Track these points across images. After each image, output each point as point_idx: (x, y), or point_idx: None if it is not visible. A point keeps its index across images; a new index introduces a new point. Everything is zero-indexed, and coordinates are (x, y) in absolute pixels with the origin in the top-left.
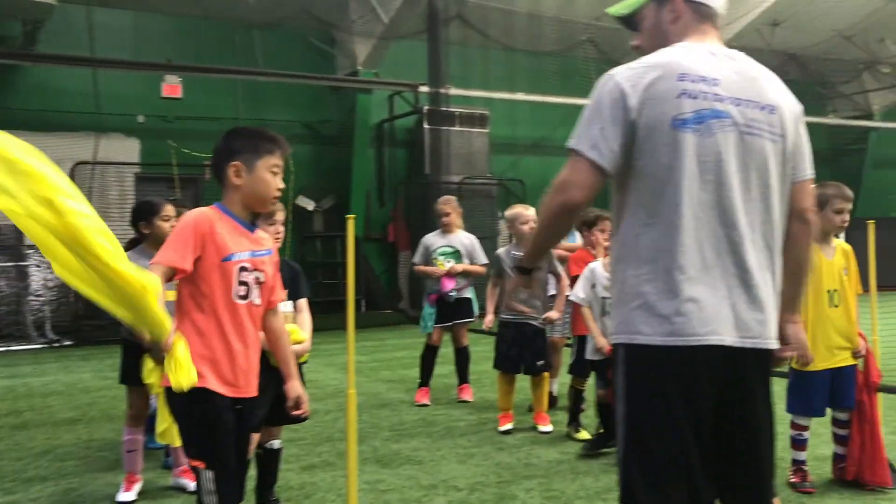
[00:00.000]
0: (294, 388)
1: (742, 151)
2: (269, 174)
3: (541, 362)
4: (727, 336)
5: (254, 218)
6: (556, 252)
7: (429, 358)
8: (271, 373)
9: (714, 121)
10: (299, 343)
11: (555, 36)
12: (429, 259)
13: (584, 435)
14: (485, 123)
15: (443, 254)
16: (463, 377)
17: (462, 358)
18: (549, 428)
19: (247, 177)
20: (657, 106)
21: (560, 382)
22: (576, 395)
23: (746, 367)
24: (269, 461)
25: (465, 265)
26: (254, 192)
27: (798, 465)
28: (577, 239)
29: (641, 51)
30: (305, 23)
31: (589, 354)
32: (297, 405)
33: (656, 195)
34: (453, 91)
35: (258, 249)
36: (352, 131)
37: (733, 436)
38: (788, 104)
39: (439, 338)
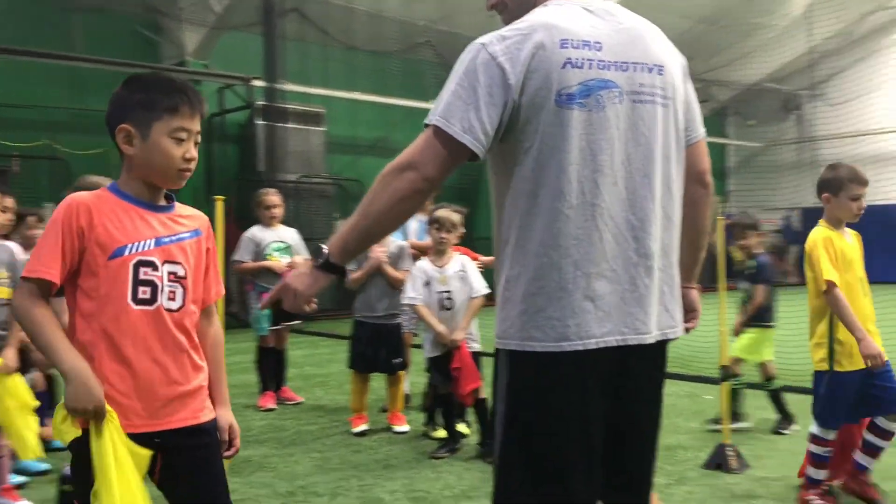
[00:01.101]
0: (225, 416)
1: (634, 122)
2: (171, 140)
3: (398, 360)
4: (630, 334)
5: (164, 195)
6: (411, 251)
7: (268, 361)
8: None
9: (602, 92)
10: None
11: (395, 37)
12: (260, 255)
13: (442, 433)
14: (320, 122)
15: (277, 249)
16: (279, 382)
17: (282, 361)
18: (405, 428)
19: (140, 144)
20: (540, 80)
21: (411, 381)
22: (436, 397)
23: (648, 361)
24: None
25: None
26: (150, 165)
27: (818, 486)
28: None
29: (503, 6)
30: (131, 8)
31: (427, 353)
32: (231, 440)
33: (541, 181)
34: (289, 87)
35: (169, 235)
36: None
37: (624, 433)
38: (675, 59)
39: (278, 338)
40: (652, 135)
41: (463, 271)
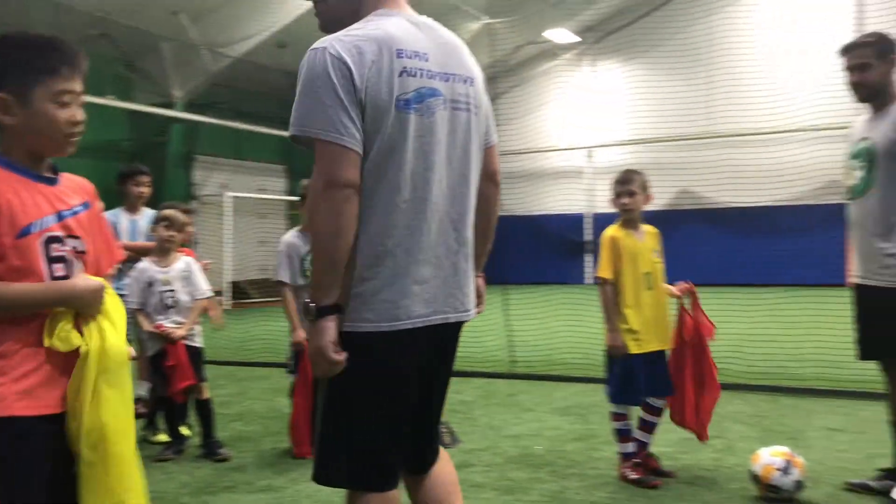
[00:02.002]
0: None
1: (453, 127)
2: (55, 105)
3: None
4: (451, 313)
5: (50, 166)
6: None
7: None
8: None
9: (431, 99)
10: None
11: (73, 27)
12: None
13: (163, 437)
14: None
15: None
16: None
17: None
18: None
19: (21, 112)
20: (381, 86)
21: None
22: (156, 399)
23: (451, 338)
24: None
25: None
26: (36, 134)
27: (629, 458)
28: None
29: (326, 7)
30: None
31: (149, 352)
32: None
33: (380, 178)
34: None
35: (66, 208)
36: None
37: (431, 403)
38: (478, 72)
39: None
40: (466, 139)
41: (188, 272)
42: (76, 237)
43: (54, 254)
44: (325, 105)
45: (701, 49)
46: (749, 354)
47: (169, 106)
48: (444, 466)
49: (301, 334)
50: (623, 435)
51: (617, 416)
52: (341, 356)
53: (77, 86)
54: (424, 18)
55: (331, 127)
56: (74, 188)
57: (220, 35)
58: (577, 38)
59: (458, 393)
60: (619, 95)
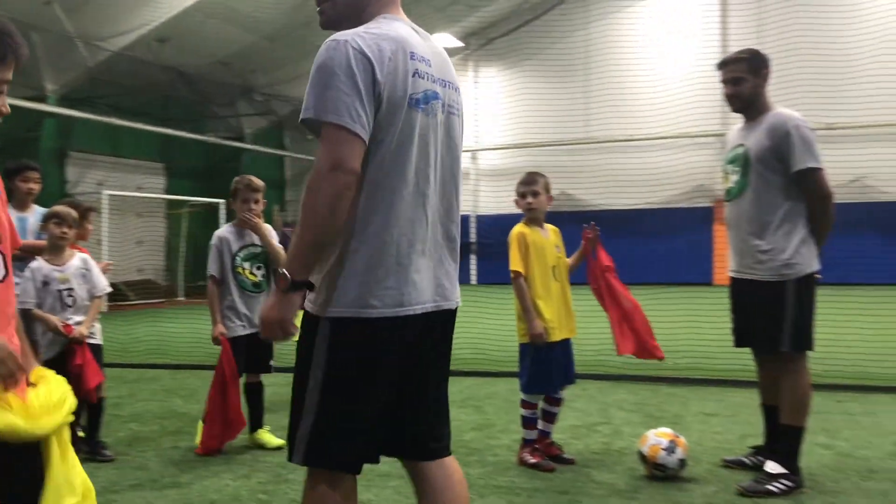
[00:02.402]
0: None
1: (448, 129)
2: None
3: None
4: (441, 301)
5: None
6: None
7: None
8: None
9: (434, 101)
10: None
11: None
12: None
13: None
14: None
15: None
16: None
17: None
18: None
19: None
20: (397, 83)
21: None
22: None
23: (445, 326)
24: None
25: None
26: None
27: (530, 444)
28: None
29: (333, 6)
30: None
31: (45, 355)
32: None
33: (388, 170)
34: None
35: None
36: None
37: (427, 390)
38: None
39: None
40: (457, 142)
41: (85, 269)
42: None
43: None
44: (343, 93)
45: (580, 57)
46: None
47: (41, 100)
48: (459, 480)
49: (220, 329)
50: (529, 423)
51: (527, 405)
52: (296, 330)
53: (10, 75)
54: (420, 29)
55: (345, 113)
56: None
57: (97, 28)
58: (461, 44)
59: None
60: (503, 100)
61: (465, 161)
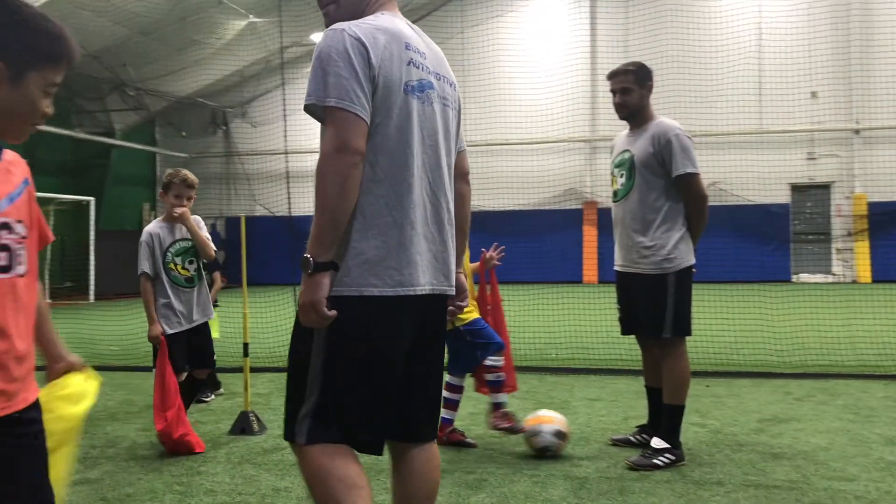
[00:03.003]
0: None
1: (442, 120)
2: (42, 93)
3: None
4: (437, 285)
5: None
6: None
7: None
8: None
9: (430, 91)
10: None
11: None
12: None
13: None
14: None
15: None
16: None
17: None
18: None
19: (7, 89)
20: (392, 69)
21: None
22: None
23: (437, 310)
24: None
25: None
26: (9, 114)
27: (451, 424)
28: None
29: (337, 8)
30: None
31: None
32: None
33: (388, 153)
34: None
35: (12, 189)
36: None
37: (422, 371)
38: (456, 82)
39: None
40: (452, 133)
41: None
42: (20, 221)
43: (2, 242)
44: (342, 77)
45: (457, 62)
46: (515, 341)
47: None
48: (436, 466)
49: (158, 329)
50: (448, 403)
51: (452, 388)
52: (332, 312)
53: (60, 79)
54: (415, 26)
55: (346, 96)
56: (16, 163)
57: None
58: None
59: (254, 386)
60: None
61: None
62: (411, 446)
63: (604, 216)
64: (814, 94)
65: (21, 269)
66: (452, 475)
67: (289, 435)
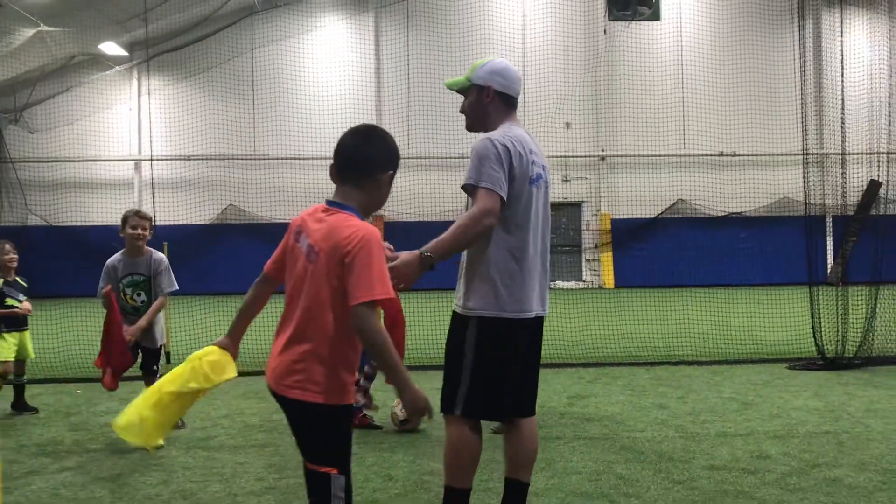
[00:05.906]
0: None
1: (545, 196)
2: (387, 186)
3: None
4: (540, 311)
5: None
6: None
7: None
8: None
9: (541, 181)
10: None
11: None
12: None
13: None
14: None
15: None
16: None
17: None
18: None
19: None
20: (521, 167)
21: None
22: None
23: (540, 327)
24: None
25: None
26: (377, 202)
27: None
28: None
29: (466, 115)
30: None
31: None
32: None
33: (520, 221)
34: None
35: None
36: None
37: (532, 369)
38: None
39: None
40: (548, 201)
41: None
42: None
43: None
44: (494, 170)
45: (247, 78)
46: None
47: None
48: (535, 434)
49: (107, 287)
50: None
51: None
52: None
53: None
54: (527, 130)
55: (497, 184)
56: None
57: None
58: (126, 53)
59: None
60: (172, 112)
61: (127, 171)
62: (523, 420)
63: (391, 230)
64: (568, 125)
65: None
66: (370, 444)
67: (448, 408)
